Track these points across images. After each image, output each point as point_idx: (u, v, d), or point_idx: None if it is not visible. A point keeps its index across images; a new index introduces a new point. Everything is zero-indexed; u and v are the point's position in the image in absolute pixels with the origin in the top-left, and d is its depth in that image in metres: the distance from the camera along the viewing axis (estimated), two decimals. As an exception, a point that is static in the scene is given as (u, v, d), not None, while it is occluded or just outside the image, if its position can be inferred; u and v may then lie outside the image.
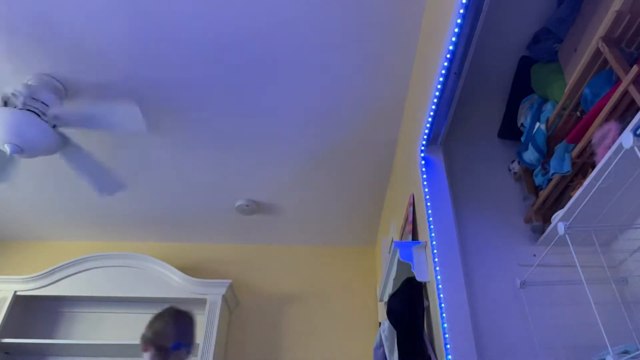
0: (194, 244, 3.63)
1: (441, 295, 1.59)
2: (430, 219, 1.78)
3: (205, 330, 2.84)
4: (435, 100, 1.74)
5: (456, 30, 1.47)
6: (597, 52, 1.52)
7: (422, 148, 1.99)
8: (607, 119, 1.47)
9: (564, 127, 1.77)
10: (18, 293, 2.94)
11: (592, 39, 1.54)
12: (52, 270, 3.01)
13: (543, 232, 1.85)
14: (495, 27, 1.93)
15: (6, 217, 3.29)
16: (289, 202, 3.14)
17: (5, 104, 2.09)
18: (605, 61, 1.51)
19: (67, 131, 2.22)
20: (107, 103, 2.23)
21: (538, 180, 1.88)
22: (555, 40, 1.89)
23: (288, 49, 2.05)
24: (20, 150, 2.04)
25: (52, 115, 2.12)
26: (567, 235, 1.36)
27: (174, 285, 3.05)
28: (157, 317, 1.82)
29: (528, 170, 2.02)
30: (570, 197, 1.61)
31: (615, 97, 1.42)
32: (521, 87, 2.07)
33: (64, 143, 2.23)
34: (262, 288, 3.41)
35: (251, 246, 3.63)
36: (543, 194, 1.82)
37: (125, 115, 2.11)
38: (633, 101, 1.39)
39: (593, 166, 1.57)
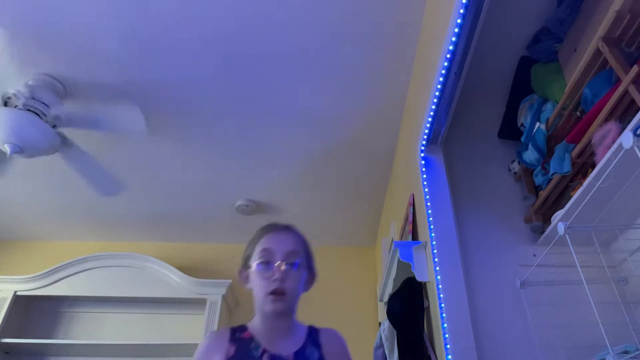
0: (194, 244, 3.62)
1: (441, 295, 1.59)
2: (430, 219, 1.78)
3: (205, 330, 2.83)
4: (435, 100, 1.74)
5: (456, 30, 1.47)
6: (597, 52, 1.52)
7: (422, 148, 1.99)
8: (607, 119, 1.47)
9: (564, 127, 1.77)
10: (18, 293, 2.94)
11: (592, 39, 1.54)
12: (52, 270, 3.01)
13: (543, 232, 1.85)
14: (495, 27, 1.93)
15: (6, 217, 3.28)
16: (289, 202, 3.14)
17: (6, 104, 2.09)
18: (605, 61, 1.51)
19: (67, 131, 2.23)
20: (108, 104, 2.23)
21: (538, 180, 1.88)
22: (555, 40, 1.89)
23: (288, 49, 2.05)
24: (20, 150, 2.04)
25: (52, 116, 2.13)
26: (567, 235, 1.36)
27: (174, 285, 3.04)
28: None
29: (528, 170, 2.02)
30: (570, 197, 1.60)
31: (615, 97, 1.41)
32: (521, 87, 2.07)
33: (63, 143, 2.24)
34: (262, 288, 3.40)
35: (251, 246, 3.62)
36: (543, 194, 1.82)
37: (126, 116, 2.13)
38: (633, 101, 1.39)
39: (593, 166, 1.57)
